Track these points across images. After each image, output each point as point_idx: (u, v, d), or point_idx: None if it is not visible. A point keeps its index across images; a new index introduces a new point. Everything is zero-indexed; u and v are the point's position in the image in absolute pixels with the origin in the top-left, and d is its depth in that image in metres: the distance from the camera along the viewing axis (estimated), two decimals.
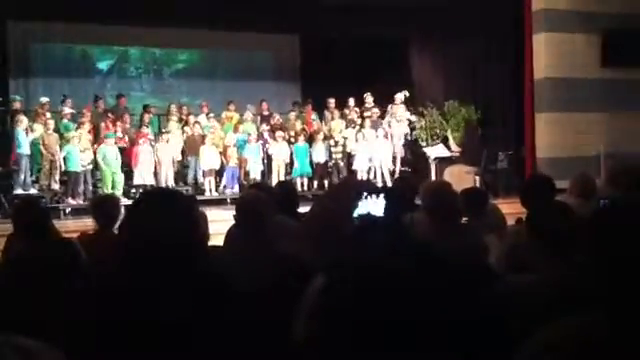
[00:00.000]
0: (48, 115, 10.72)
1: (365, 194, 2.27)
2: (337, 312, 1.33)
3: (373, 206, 2.28)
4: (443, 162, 11.87)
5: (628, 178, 4.26)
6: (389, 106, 12.62)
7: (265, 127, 12.25)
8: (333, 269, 1.42)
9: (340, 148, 12.22)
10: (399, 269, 1.42)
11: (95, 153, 10.65)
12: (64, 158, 10.31)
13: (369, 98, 12.74)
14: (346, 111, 12.77)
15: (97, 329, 1.89)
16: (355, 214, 2.27)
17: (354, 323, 1.28)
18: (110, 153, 10.67)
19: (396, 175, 11.66)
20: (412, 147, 12.52)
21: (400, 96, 12.53)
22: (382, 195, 2.29)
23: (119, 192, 10.17)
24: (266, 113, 12.79)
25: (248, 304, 2.18)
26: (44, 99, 11.15)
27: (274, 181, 10.83)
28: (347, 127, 12.41)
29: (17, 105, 10.96)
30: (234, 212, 3.92)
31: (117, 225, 4.17)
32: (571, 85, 11.70)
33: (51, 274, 3.15)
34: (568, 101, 11.70)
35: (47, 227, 3.85)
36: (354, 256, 1.49)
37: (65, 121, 11.00)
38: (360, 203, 2.28)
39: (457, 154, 12.14)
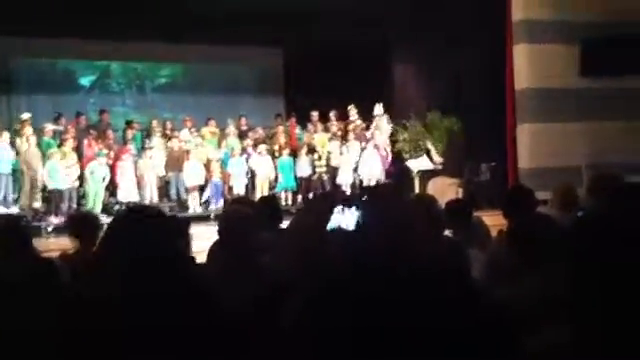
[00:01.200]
0: (30, 131, 10.62)
1: (340, 206, 2.26)
2: (319, 325, 1.33)
3: (347, 218, 2.27)
4: (426, 174, 11.91)
5: (608, 188, 4.29)
6: (375, 117, 12.66)
7: (249, 142, 12.24)
8: (309, 285, 1.42)
9: (324, 162, 12.24)
10: (373, 281, 1.42)
11: (82, 169, 10.57)
12: (48, 176, 10.23)
13: (353, 111, 12.79)
14: (328, 124, 12.80)
15: (79, 342, 1.88)
16: (328, 227, 2.26)
17: (335, 336, 1.28)
18: (99, 171, 10.63)
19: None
20: (395, 159, 12.55)
21: (379, 108, 12.59)
22: (354, 207, 2.28)
23: (99, 209, 10.10)
24: (244, 128, 12.80)
25: (231, 320, 2.17)
26: (26, 115, 11.07)
27: (258, 195, 10.81)
28: (330, 140, 12.43)
29: None
30: (219, 225, 3.91)
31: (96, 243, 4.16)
32: (552, 95, 11.78)
33: (30, 294, 3.12)
34: (549, 111, 11.77)
35: (27, 248, 3.80)
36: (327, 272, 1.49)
37: (46, 138, 10.91)
38: (334, 216, 2.27)
39: (440, 166, 12.19)
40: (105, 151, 10.98)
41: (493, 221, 5.43)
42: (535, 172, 11.32)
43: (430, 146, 12.38)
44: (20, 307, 2.93)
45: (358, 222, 2.05)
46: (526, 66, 11.96)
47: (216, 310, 2.06)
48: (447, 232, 4.37)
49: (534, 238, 3.03)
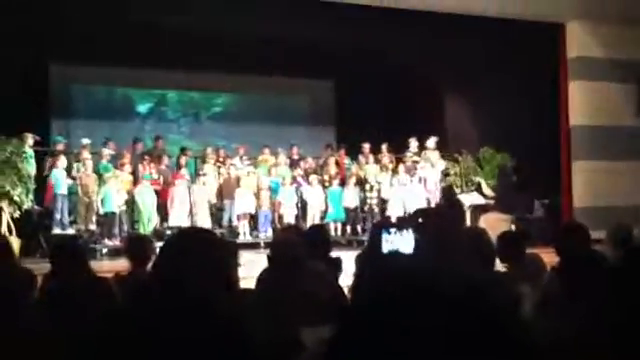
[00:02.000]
0: (88, 156, 10.94)
1: (392, 229, 2.26)
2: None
3: (400, 242, 2.27)
4: (478, 209, 11.78)
5: None
6: (423, 152, 12.62)
7: (299, 171, 12.33)
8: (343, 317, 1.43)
9: (375, 193, 12.22)
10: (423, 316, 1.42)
11: (133, 194, 10.83)
12: (101, 199, 10.50)
13: (413, 143, 12.73)
14: (379, 156, 12.81)
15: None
16: (385, 250, 2.26)
17: None
18: (146, 194, 10.85)
19: None
20: (446, 194, 12.45)
21: (432, 141, 12.55)
22: (410, 230, 2.28)
23: (151, 232, 10.29)
24: (296, 157, 12.90)
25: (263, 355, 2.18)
26: (85, 140, 11.40)
27: (308, 225, 10.84)
28: (381, 171, 12.44)
29: (60, 146, 11.23)
30: (268, 254, 3.96)
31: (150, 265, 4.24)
32: (607, 133, 11.61)
33: (86, 313, 3.20)
34: (604, 149, 11.60)
35: (84, 267, 3.92)
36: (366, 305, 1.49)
37: (104, 162, 11.22)
38: (389, 238, 2.27)
39: (491, 201, 12.04)
40: (154, 175, 11.20)
41: (546, 258, 5.34)
42: (590, 210, 11.11)
43: (481, 181, 12.26)
44: (74, 323, 3.01)
45: (416, 244, 2.05)
46: (581, 103, 11.84)
47: (247, 347, 2.07)
48: (501, 266, 4.34)
49: (584, 274, 2.98)
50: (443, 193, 12.39)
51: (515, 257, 4.37)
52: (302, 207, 11.94)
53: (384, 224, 2.40)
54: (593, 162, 11.68)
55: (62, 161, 10.55)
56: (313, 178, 12.05)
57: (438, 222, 3.50)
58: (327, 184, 12.26)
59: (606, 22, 11.58)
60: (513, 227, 11.14)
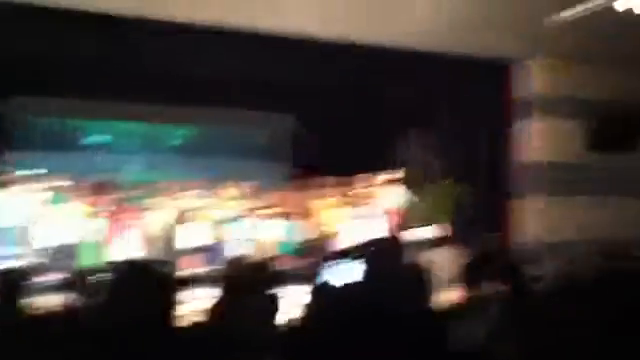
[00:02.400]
0: (38, 188, 10.77)
1: (333, 262, 2.27)
2: None
3: (341, 273, 2.28)
4: (430, 243, 11.85)
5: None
6: (378, 185, 12.71)
7: (252, 204, 12.31)
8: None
9: (325, 227, 12.27)
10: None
11: (81, 227, 10.64)
12: (47, 232, 10.30)
13: (361, 177, 12.83)
14: (333, 190, 12.88)
15: None
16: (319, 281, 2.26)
17: None
18: (95, 227, 10.70)
19: None
20: (396, 226, 12.52)
21: (385, 176, 12.66)
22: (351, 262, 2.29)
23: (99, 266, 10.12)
24: (250, 190, 12.88)
25: None
26: (36, 171, 11.20)
27: (257, 258, 10.78)
28: (332, 207, 12.51)
29: (10, 177, 11.03)
30: (217, 287, 3.94)
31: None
32: (557, 169, 11.86)
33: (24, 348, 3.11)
34: (555, 185, 11.84)
35: (21, 301, 3.82)
36: None
37: (52, 194, 11.01)
38: (327, 271, 2.28)
39: (446, 235, 12.14)
40: (104, 207, 11.04)
41: None
42: (536, 245, 11.28)
43: (437, 214, 12.36)
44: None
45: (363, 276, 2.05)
46: (533, 139, 12.07)
47: None
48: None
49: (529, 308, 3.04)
50: (393, 226, 12.47)
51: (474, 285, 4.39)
52: (254, 241, 11.88)
53: (328, 257, 2.43)
54: (543, 197, 11.89)
55: (8, 192, 10.34)
56: (265, 212, 12.05)
57: (382, 254, 3.54)
58: (281, 217, 12.27)
59: (557, 59, 11.87)
60: (465, 261, 11.23)
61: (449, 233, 12.07)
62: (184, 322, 3.48)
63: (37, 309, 4.17)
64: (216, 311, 4.00)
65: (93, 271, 5.82)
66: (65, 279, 9.06)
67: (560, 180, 11.87)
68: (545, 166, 11.93)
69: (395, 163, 13.50)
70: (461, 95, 11.92)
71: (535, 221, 11.84)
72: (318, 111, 13.63)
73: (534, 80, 12.07)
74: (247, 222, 11.96)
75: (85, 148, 14.39)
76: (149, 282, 2.12)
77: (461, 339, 3.42)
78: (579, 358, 2.43)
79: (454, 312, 4.08)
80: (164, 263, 10.45)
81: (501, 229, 12.10)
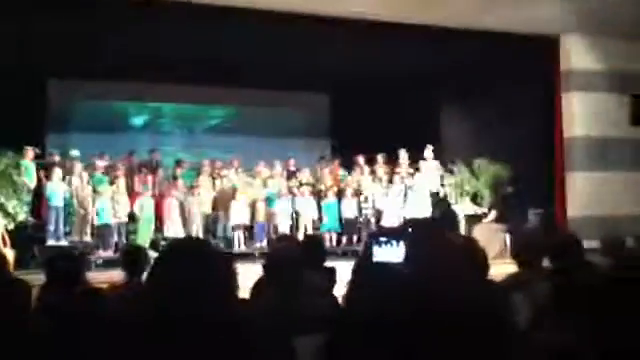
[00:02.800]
0: (80, 168, 10.97)
1: (382, 240, 2.27)
2: None
3: (391, 252, 2.27)
4: (472, 220, 11.81)
5: None
6: (420, 162, 12.65)
7: (294, 182, 12.38)
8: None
9: (370, 204, 12.26)
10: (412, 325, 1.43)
11: (132, 206, 10.87)
12: (97, 211, 10.53)
13: (403, 154, 12.77)
14: (375, 167, 12.86)
15: None
16: (374, 261, 2.26)
17: None
18: (145, 205, 10.90)
19: None
20: (440, 204, 12.46)
21: (429, 152, 12.58)
22: (401, 240, 2.28)
23: (147, 244, 10.29)
24: (293, 169, 12.96)
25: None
26: (75, 152, 11.46)
27: (301, 236, 10.88)
28: (375, 182, 12.49)
29: (54, 159, 11.27)
30: (265, 263, 3.97)
31: (144, 275, 4.24)
32: (601, 144, 11.68)
33: (80, 323, 3.21)
34: (599, 160, 11.65)
35: (79, 278, 3.92)
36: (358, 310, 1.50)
37: (98, 175, 11.25)
38: (377, 249, 2.27)
39: (487, 212, 12.08)
40: (147, 186, 11.24)
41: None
42: (584, 220, 11.15)
43: (479, 192, 12.27)
44: (68, 334, 3.02)
45: (406, 254, 2.06)
46: (576, 114, 11.89)
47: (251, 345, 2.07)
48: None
49: (578, 285, 3.00)
50: (437, 203, 12.40)
51: (531, 262, 4.35)
52: (296, 218, 11.98)
53: (375, 235, 2.42)
54: (587, 173, 11.73)
55: (56, 173, 10.57)
56: (305, 189, 12.11)
57: (429, 232, 3.53)
58: (322, 195, 12.33)
59: (600, 34, 11.66)
60: (507, 237, 11.19)
61: (494, 209, 12.01)
62: (238, 298, 3.55)
63: (92, 285, 4.29)
64: (264, 287, 4.05)
65: (144, 248, 5.93)
66: (117, 256, 9.28)
67: (604, 155, 11.69)
68: (590, 141, 11.75)
69: (438, 140, 13.44)
70: (506, 71, 11.77)
71: (581, 196, 11.70)
72: (359, 89, 13.59)
73: (578, 55, 11.87)
74: (289, 200, 12.04)
75: (128, 129, 14.61)
76: (205, 259, 2.14)
77: (508, 315, 3.42)
78: (627, 339, 2.40)
79: (501, 288, 4.06)
80: (211, 241, 10.61)
81: (547, 205, 11.99)
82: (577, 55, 11.91)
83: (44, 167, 10.93)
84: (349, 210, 12.25)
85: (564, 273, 3.92)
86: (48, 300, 3.61)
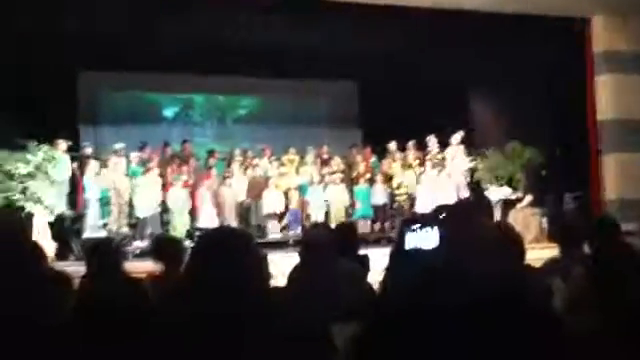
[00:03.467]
0: (119, 160, 11.10)
1: (415, 226, 2.25)
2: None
3: (424, 239, 2.25)
4: (507, 205, 11.70)
5: None
6: (448, 148, 12.58)
7: (326, 170, 12.40)
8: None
9: (403, 190, 12.22)
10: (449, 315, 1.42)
11: (164, 196, 10.97)
12: (136, 203, 10.66)
13: (432, 140, 12.71)
14: (406, 153, 12.82)
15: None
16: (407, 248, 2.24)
17: None
18: (178, 195, 10.99)
19: None
20: (474, 189, 12.37)
21: (457, 137, 12.49)
22: (434, 226, 2.25)
23: (183, 234, 10.39)
24: (325, 156, 12.96)
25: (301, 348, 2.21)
26: (119, 145, 11.53)
27: (333, 223, 10.89)
28: (408, 169, 12.45)
29: (87, 151, 11.42)
30: (300, 250, 4.00)
31: (182, 266, 4.29)
32: (635, 126, 11.49)
33: (123, 314, 3.27)
34: (633, 142, 11.49)
35: (119, 268, 3.99)
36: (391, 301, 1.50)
37: (133, 166, 11.38)
38: (410, 235, 2.26)
39: (522, 196, 11.95)
40: (184, 176, 11.33)
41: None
42: (621, 203, 11.00)
43: (511, 175, 12.15)
44: (109, 325, 3.08)
45: (440, 240, 2.05)
46: (609, 97, 11.72)
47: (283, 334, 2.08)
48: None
49: (616, 267, 2.97)
50: (471, 188, 12.32)
51: (571, 246, 4.32)
52: (329, 205, 12.00)
53: (408, 221, 2.40)
54: (623, 155, 11.56)
55: (92, 166, 10.71)
56: (337, 177, 12.11)
57: (462, 217, 3.49)
58: (355, 182, 12.32)
59: (631, 15, 11.47)
60: (544, 221, 11.08)
61: (529, 193, 11.88)
62: (272, 287, 3.58)
63: (130, 275, 4.36)
64: (301, 275, 4.08)
65: (178, 238, 6.01)
66: (152, 246, 9.38)
67: (638, 137, 11.51)
68: (624, 123, 11.57)
69: (469, 125, 13.34)
70: (537, 55, 11.62)
71: (617, 178, 11.54)
72: (384, 76, 13.52)
73: (610, 37, 11.69)
74: (320, 188, 12.06)
75: (159, 121, 14.73)
76: (240, 248, 2.17)
77: (547, 300, 3.39)
78: None
79: (539, 273, 4.03)
80: (247, 229, 10.68)
81: (583, 188, 11.86)
82: (608, 37, 11.73)
83: (78, 159, 11.08)
84: (381, 197, 12.23)
85: (602, 256, 3.87)
86: (90, 290, 3.67)
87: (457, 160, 12.36)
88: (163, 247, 4.82)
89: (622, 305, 2.67)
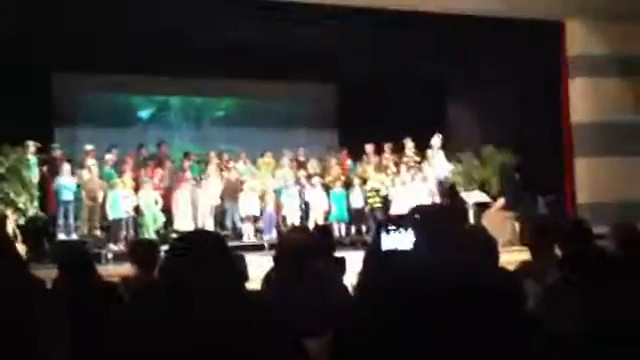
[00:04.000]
0: (92, 162, 11.00)
1: (390, 228, 2.27)
2: None
3: (399, 240, 2.27)
4: (481, 207, 11.79)
5: None
6: (428, 151, 12.64)
7: (302, 173, 12.39)
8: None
9: (378, 193, 12.23)
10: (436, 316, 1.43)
11: (139, 199, 10.89)
12: (109, 205, 10.56)
13: (409, 144, 12.76)
14: (382, 157, 12.86)
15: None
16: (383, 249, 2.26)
17: None
18: (150, 198, 10.91)
19: None
20: (449, 192, 12.46)
21: (437, 141, 12.57)
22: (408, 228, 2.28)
23: (156, 236, 10.32)
24: (302, 159, 12.96)
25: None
26: (89, 146, 11.50)
27: (311, 226, 10.88)
28: (383, 173, 12.48)
29: (57, 153, 11.31)
30: (274, 255, 3.99)
31: (156, 269, 4.26)
32: (608, 129, 11.64)
33: (96, 316, 3.24)
34: (606, 145, 11.62)
35: (92, 271, 3.95)
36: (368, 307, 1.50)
37: (107, 168, 11.29)
38: (385, 237, 2.27)
39: (495, 200, 12.06)
40: (149, 179, 11.25)
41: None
42: (593, 206, 11.13)
43: (484, 179, 12.26)
44: (85, 325, 3.05)
45: (415, 241, 2.07)
46: (583, 100, 11.86)
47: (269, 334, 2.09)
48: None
49: (587, 271, 3.01)
50: (445, 191, 12.40)
51: (543, 248, 4.36)
52: (305, 209, 11.99)
53: (383, 223, 2.41)
54: (595, 158, 11.70)
55: (65, 168, 10.61)
56: (316, 180, 12.11)
57: (435, 218, 3.52)
58: (331, 185, 12.32)
59: (604, 18, 11.61)
60: (517, 225, 11.17)
61: (501, 197, 11.99)
62: (249, 289, 3.57)
63: (102, 279, 4.32)
64: (276, 278, 4.07)
65: (154, 241, 5.97)
66: (127, 249, 9.31)
67: (612, 140, 11.65)
68: (597, 126, 11.72)
69: (444, 128, 13.42)
70: (512, 58, 11.74)
71: (589, 182, 11.67)
72: (362, 78, 13.57)
73: (583, 40, 11.83)
74: (296, 191, 12.05)
75: (134, 122, 14.62)
76: (214, 252, 2.17)
77: (518, 304, 3.42)
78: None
79: (511, 276, 4.07)
80: (220, 233, 10.63)
81: (556, 191, 11.98)
82: (582, 40, 11.86)
83: (46, 162, 10.94)
84: (357, 200, 12.25)
85: (574, 259, 3.91)
86: (62, 294, 3.64)
87: (437, 165, 12.42)
88: (137, 251, 4.79)
89: (596, 308, 2.70)
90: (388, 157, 12.83)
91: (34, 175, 10.33)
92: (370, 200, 12.27)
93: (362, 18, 10.81)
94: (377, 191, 12.27)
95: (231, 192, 11.78)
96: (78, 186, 10.70)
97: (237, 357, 1.96)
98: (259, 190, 11.90)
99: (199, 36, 11.64)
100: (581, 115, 11.86)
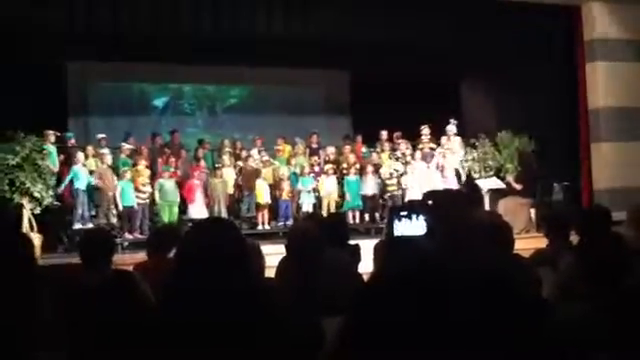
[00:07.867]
0: (106, 151, 11.03)
1: (403, 214, 2.25)
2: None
3: (412, 226, 2.26)
4: (496, 194, 11.72)
5: None
6: (443, 138, 12.56)
7: (317, 160, 12.36)
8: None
9: (394, 181, 12.17)
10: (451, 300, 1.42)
11: (153, 187, 10.92)
12: (120, 194, 10.59)
13: (425, 130, 12.67)
14: (397, 143, 12.79)
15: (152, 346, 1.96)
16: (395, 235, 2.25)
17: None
18: (167, 186, 10.93)
19: None
20: (464, 179, 12.38)
21: (452, 127, 12.49)
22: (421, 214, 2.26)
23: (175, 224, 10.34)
24: (315, 146, 12.91)
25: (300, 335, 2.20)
26: (100, 135, 11.55)
27: (324, 214, 10.86)
28: (397, 160, 12.41)
29: (71, 142, 11.36)
30: (287, 241, 3.98)
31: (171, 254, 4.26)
32: (626, 114, 11.52)
33: (113, 304, 3.26)
34: (624, 131, 11.51)
35: (111, 260, 3.93)
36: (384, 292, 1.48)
37: (123, 157, 11.33)
38: (397, 223, 2.26)
39: (510, 186, 11.98)
40: (171, 167, 11.27)
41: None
42: (611, 192, 11.04)
43: (500, 165, 12.16)
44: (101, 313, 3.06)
45: (427, 227, 2.05)
46: (600, 84, 11.73)
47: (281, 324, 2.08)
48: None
49: (605, 257, 2.98)
50: (460, 178, 12.32)
51: (559, 236, 4.34)
52: (319, 196, 11.97)
53: (396, 209, 2.40)
54: (613, 144, 11.60)
55: (80, 157, 10.65)
56: (329, 167, 12.08)
57: (449, 204, 3.48)
58: (345, 173, 12.28)
59: (621, 1, 11.48)
60: (532, 211, 11.10)
61: (517, 183, 11.91)
62: (265, 277, 3.57)
63: (120, 267, 4.33)
64: (290, 266, 4.07)
65: (170, 229, 5.99)
66: (143, 238, 9.34)
67: (630, 125, 11.54)
68: (615, 111, 11.60)
69: (460, 114, 13.34)
70: (529, 42, 11.63)
71: (607, 167, 11.57)
72: (376, 65, 13.48)
73: (601, 24, 11.69)
74: (311, 178, 12.02)
75: (148, 111, 14.66)
76: (231, 239, 2.15)
77: (535, 290, 3.39)
78: None
79: (525, 262, 4.04)
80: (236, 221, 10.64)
81: (573, 177, 11.89)
82: (600, 24, 11.72)
83: (63, 151, 11.01)
84: (371, 187, 12.21)
85: (592, 245, 3.88)
86: (85, 283, 3.63)
87: (449, 150, 12.33)
88: (156, 237, 4.81)
89: (611, 294, 2.68)
90: (402, 144, 12.73)
91: (54, 164, 10.39)
92: (388, 187, 12.20)
93: (376, 4, 10.74)
94: (391, 177, 12.20)
95: (246, 180, 11.76)
96: (91, 173, 10.72)
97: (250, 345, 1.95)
98: (274, 178, 11.89)
99: (211, 24, 11.60)
100: (598, 99, 11.74)
